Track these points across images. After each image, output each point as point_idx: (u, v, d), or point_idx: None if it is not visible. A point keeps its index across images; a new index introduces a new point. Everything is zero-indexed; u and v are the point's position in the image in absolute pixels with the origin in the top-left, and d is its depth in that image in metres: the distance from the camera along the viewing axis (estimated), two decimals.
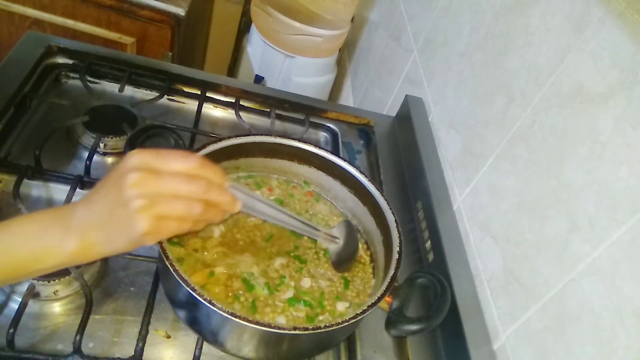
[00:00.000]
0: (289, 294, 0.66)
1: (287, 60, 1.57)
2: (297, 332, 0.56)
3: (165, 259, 0.56)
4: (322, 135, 1.07)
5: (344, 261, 0.70)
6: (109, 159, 0.85)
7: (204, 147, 0.71)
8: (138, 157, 0.49)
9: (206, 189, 0.51)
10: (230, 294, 0.63)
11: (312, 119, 1.04)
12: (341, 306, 0.68)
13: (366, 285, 0.72)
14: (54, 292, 0.65)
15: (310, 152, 0.79)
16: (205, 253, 0.66)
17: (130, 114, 0.89)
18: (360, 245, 0.75)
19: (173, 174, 0.50)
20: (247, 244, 0.69)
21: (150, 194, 0.48)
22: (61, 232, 0.49)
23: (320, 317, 0.65)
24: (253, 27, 1.63)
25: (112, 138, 0.85)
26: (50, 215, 0.51)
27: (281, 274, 0.68)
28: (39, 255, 0.49)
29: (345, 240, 0.71)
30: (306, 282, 0.68)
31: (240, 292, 0.64)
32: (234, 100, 1.00)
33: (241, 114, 0.98)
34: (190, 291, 0.54)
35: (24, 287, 0.63)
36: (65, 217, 0.50)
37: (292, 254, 0.71)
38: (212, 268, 0.65)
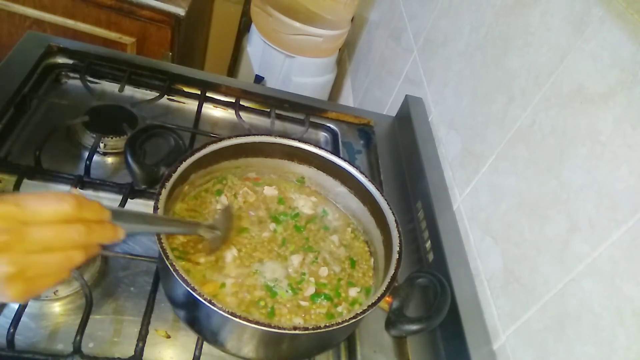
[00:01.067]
0: (311, 290, 0.68)
1: (287, 60, 1.57)
2: (297, 332, 0.56)
3: (165, 259, 0.56)
4: (322, 135, 1.07)
5: (218, 245, 0.67)
6: (109, 159, 0.85)
7: (204, 147, 0.71)
8: None
9: (85, 234, 0.45)
10: (243, 305, 0.64)
11: (312, 119, 1.04)
12: (353, 292, 0.70)
13: (367, 263, 0.76)
14: (54, 292, 0.65)
15: (310, 152, 0.79)
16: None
17: (130, 114, 0.89)
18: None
19: (44, 226, 0.43)
20: (266, 253, 0.71)
21: (17, 259, 0.42)
22: None
23: (339, 308, 0.67)
24: (253, 27, 1.63)
25: (112, 138, 0.85)
26: None
27: (301, 271, 0.70)
28: None
29: (223, 228, 0.68)
30: (323, 271, 0.71)
31: (262, 301, 0.65)
32: (234, 100, 1.00)
33: (241, 114, 0.98)
34: (190, 291, 0.54)
35: None
36: None
37: (304, 247, 0.73)
38: (224, 280, 0.66)
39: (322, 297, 0.68)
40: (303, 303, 0.66)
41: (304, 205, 0.80)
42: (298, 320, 0.64)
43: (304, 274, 0.70)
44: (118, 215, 0.51)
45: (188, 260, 0.66)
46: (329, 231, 0.78)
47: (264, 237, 0.73)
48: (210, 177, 0.76)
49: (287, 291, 0.67)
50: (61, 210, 0.44)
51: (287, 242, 0.73)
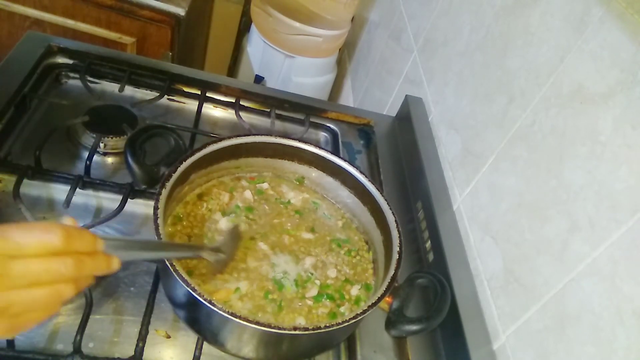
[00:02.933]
0: (314, 292, 0.68)
1: (287, 60, 1.57)
2: (297, 332, 0.56)
3: (165, 259, 0.56)
4: (322, 135, 1.07)
5: (222, 266, 0.66)
6: (109, 159, 0.85)
7: (204, 147, 0.71)
8: None
9: (75, 268, 0.43)
10: (259, 310, 0.64)
11: (312, 119, 1.04)
12: (354, 290, 0.70)
13: (365, 255, 0.76)
14: None
15: (310, 152, 0.79)
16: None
17: (130, 114, 0.89)
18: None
19: (30, 260, 0.41)
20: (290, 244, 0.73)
21: (0, 296, 0.40)
22: None
23: (342, 309, 0.68)
24: (253, 27, 1.63)
25: (112, 138, 0.85)
26: None
27: (310, 271, 0.71)
28: None
29: (229, 250, 0.67)
30: (332, 272, 0.71)
31: (270, 294, 0.66)
32: (234, 100, 1.00)
33: (241, 114, 0.98)
34: (191, 291, 0.54)
35: None
36: None
37: (320, 257, 0.74)
38: (237, 284, 0.66)
39: (325, 297, 0.68)
40: (309, 302, 0.67)
41: (294, 197, 0.80)
42: (301, 320, 0.64)
43: (312, 273, 0.71)
44: (112, 244, 0.49)
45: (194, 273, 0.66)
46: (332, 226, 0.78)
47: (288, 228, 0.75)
48: (209, 178, 0.76)
49: (292, 285, 0.68)
50: (48, 242, 0.42)
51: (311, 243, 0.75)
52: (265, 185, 0.79)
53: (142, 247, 0.56)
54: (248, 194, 0.76)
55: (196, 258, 0.65)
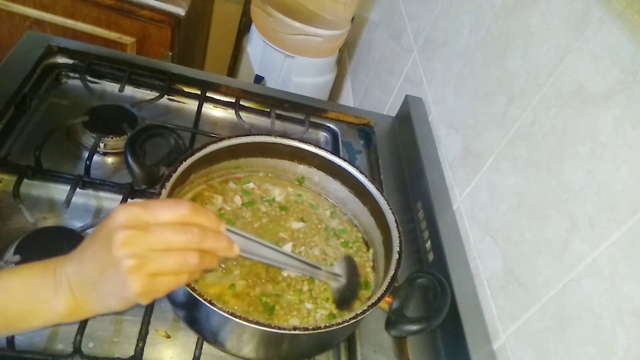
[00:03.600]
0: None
1: (287, 60, 1.57)
2: (297, 332, 0.56)
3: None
4: (322, 135, 1.07)
5: (347, 299, 0.68)
6: (109, 159, 0.85)
7: (204, 147, 0.71)
8: (124, 213, 0.46)
9: (200, 237, 0.48)
10: (251, 306, 0.64)
11: (312, 119, 1.04)
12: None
13: (365, 254, 0.77)
14: None
15: (310, 152, 0.79)
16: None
17: (130, 114, 0.89)
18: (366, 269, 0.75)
19: (163, 226, 0.47)
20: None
21: (140, 253, 0.45)
22: (50, 290, 0.47)
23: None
24: (253, 27, 1.63)
25: (112, 138, 0.85)
26: (39, 271, 0.48)
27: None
28: (27, 314, 0.47)
29: (347, 277, 0.69)
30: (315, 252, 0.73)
31: (264, 297, 0.65)
32: (234, 100, 1.00)
33: (241, 114, 0.98)
34: (190, 291, 0.54)
35: None
36: (54, 274, 0.48)
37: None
38: (233, 281, 0.65)
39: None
40: (308, 305, 0.67)
41: (280, 194, 0.80)
42: (295, 321, 0.64)
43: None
44: (233, 229, 0.54)
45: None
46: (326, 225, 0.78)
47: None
48: (209, 178, 0.76)
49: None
50: (179, 213, 0.48)
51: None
52: (251, 185, 0.79)
53: (260, 246, 0.59)
54: (237, 199, 0.76)
55: (314, 277, 0.67)
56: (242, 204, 0.76)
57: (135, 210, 0.47)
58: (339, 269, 0.69)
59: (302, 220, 0.77)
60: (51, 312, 0.48)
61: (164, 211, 0.48)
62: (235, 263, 0.67)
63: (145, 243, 0.46)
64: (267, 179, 0.81)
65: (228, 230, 0.53)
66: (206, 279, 0.65)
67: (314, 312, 0.66)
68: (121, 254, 0.45)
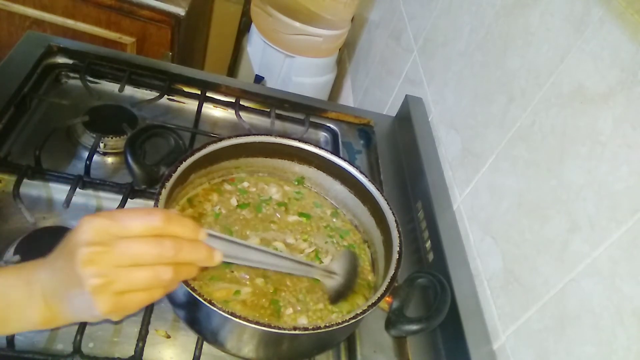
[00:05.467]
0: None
1: (287, 60, 1.57)
2: (297, 332, 0.56)
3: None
4: (322, 135, 1.07)
5: (340, 295, 0.66)
6: (109, 159, 0.85)
7: (204, 147, 0.71)
8: (89, 227, 0.43)
9: (174, 249, 0.45)
10: (257, 313, 0.63)
11: (312, 119, 1.04)
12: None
13: (365, 255, 0.77)
14: None
15: (310, 151, 0.79)
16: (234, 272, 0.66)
17: (130, 114, 0.89)
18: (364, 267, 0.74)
19: (132, 239, 0.44)
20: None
21: (105, 271, 0.42)
22: (24, 297, 0.45)
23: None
24: (253, 27, 1.63)
25: (112, 138, 0.85)
26: (13, 276, 0.46)
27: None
28: (1, 320, 0.46)
29: (345, 274, 0.67)
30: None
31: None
32: (234, 100, 1.00)
33: (241, 114, 0.98)
34: (190, 291, 0.54)
35: None
36: (28, 279, 0.46)
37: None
38: (239, 287, 0.65)
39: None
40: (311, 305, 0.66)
41: (276, 192, 0.80)
42: (303, 320, 0.64)
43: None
44: (215, 234, 0.50)
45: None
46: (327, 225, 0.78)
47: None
48: (209, 178, 0.76)
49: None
50: (150, 224, 0.44)
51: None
52: (245, 184, 0.79)
53: (247, 249, 0.56)
54: (234, 200, 0.76)
55: (307, 276, 0.65)
56: (237, 205, 0.75)
57: (102, 223, 0.43)
58: (336, 265, 0.68)
59: (302, 215, 0.77)
60: (25, 319, 0.46)
61: (134, 222, 0.44)
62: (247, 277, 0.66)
63: (111, 260, 0.43)
64: (263, 179, 0.81)
65: (210, 235, 0.50)
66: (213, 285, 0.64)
67: (326, 313, 0.66)
68: (85, 273, 0.42)
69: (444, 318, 0.63)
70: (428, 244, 0.84)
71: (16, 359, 0.58)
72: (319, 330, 0.56)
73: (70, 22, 1.36)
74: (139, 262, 0.44)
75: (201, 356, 0.63)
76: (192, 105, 0.99)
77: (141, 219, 0.44)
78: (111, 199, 0.78)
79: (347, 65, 1.79)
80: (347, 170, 0.77)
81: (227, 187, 0.77)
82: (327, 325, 0.56)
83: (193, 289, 0.54)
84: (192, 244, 0.47)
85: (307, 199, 0.81)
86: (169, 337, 0.66)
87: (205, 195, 0.75)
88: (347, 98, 1.68)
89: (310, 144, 0.78)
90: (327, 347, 0.69)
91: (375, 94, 1.44)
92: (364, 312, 0.59)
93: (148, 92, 0.98)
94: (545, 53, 0.72)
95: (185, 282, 0.54)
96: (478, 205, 0.81)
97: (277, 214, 0.76)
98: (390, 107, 1.30)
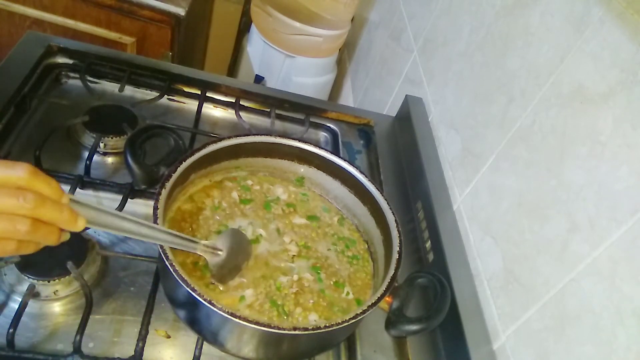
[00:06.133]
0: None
1: (287, 60, 1.57)
2: (297, 332, 0.56)
3: (165, 259, 0.56)
4: (322, 135, 1.07)
5: (226, 273, 0.65)
6: (109, 159, 0.85)
7: (204, 147, 0.71)
8: None
9: (34, 203, 0.43)
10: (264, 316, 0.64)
11: (312, 119, 1.04)
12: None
13: (366, 261, 0.77)
14: (54, 292, 0.65)
15: (310, 151, 0.79)
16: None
17: (130, 114, 0.89)
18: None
19: None
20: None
21: None
22: None
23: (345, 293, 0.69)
24: (253, 27, 1.63)
25: (112, 138, 0.85)
26: None
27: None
28: None
29: (229, 251, 0.64)
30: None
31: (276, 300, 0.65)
32: (234, 100, 1.00)
33: (241, 114, 0.98)
34: (190, 291, 0.54)
35: (24, 287, 0.63)
36: None
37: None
38: (243, 291, 0.65)
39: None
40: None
41: (283, 192, 0.80)
42: (313, 317, 0.64)
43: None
44: (80, 200, 0.47)
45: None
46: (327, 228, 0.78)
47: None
48: (209, 178, 0.76)
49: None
50: (14, 174, 0.43)
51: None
52: (249, 182, 0.79)
53: (118, 218, 0.52)
54: (235, 194, 0.76)
55: (189, 251, 0.62)
56: (239, 200, 0.75)
57: None
58: (221, 242, 0.64)
59: (310, 218, 0.77)
60: None
61: None
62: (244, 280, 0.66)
63: None
64: (266, 178, 0.81)
65: (73, 201, 0.47)
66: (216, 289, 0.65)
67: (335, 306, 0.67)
68: None
69: (444, 318, 0.63)
70: (428, 244, 0.84)
71: (16, 359, 0.58)
72: (318, 331, 0.56)
73: (70, 22, 1.36)
74: None
75: (201, 356, 0.63)
76: (192, 105, 0.99)
77: (5, 169, 0.43)
78: (111, 199, 0.78)
79: (347, 65, 1.79)
80: (347, 170, 0.77)
81: (229, 184, 0.77)
82: (327, 325, 0.56)
83: (193, 289, 0.54)
84: (55, 203, 0.45)
85: (312, 202, 0.80)
86: (169, 337, 0.66)
87: (206, 191, 0.75)
88: (347, 98, 1.68)
89: (311, 144, 0.78)
90: (327, 347, 0.69)
91: (375, 94, 1.44)
92: (364, 312, 0.59)
93: (148, 92, 0.98)
94: (545, 53, 0.72)
95: (185, 282, 0.54)
96: (478, 205, 0.81)
97: (285, 216, 0.76)
98: (390, 107, 1.30)
